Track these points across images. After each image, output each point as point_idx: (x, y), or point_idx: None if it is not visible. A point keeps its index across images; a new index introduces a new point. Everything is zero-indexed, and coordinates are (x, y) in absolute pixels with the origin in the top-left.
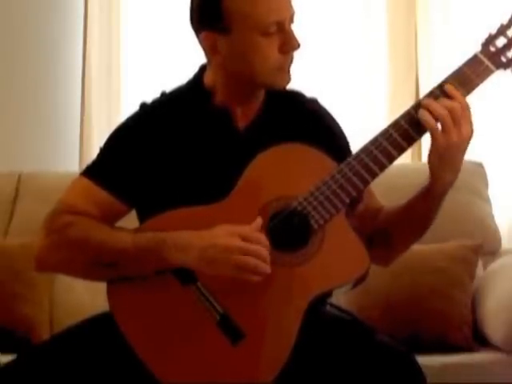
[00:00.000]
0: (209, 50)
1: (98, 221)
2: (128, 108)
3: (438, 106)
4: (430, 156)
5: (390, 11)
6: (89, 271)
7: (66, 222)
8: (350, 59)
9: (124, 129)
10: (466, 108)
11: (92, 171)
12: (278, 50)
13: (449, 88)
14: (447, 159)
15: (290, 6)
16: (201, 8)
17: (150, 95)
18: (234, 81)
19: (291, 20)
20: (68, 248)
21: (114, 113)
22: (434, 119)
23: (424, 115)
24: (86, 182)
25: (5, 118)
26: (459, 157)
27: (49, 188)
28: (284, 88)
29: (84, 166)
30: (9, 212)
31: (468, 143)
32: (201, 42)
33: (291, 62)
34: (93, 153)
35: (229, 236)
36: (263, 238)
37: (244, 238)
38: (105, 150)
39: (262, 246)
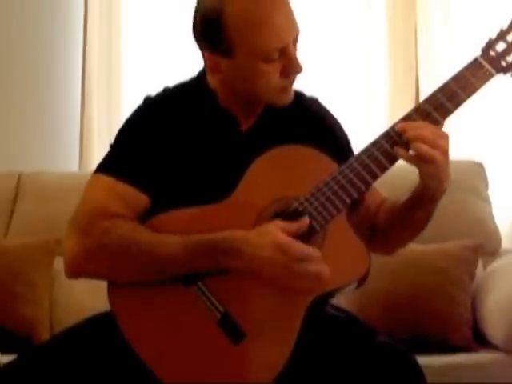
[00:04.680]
0: (211, 68)
1: (132, 221)
2: (128, 108)
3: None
4: (423, 180)
5: (390, 11)
6: (135, 276)
7: (104, 227)
8: (349, 59)
9: (132, 123)
10: (428, 127)
11: (110, 167)
12: (280, 73)
13: (400, 127)
14: (443, 175)
15: (294, 28)
16: (203, 30)
17: (155, 92)
18: (236, 95)
19: (295, 41)
20: (112, 254)
21: (114, 113)
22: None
23: (400, 152)
24: (106, 179)
25: (5, 118)
26: (447, 166)
27: (49, 188)
28: (286, 105)
29: (84, 166)
30: (9, 212)
31: (448, 143)
32: (203, 59)
33: (293, 82)
34: (93, 153)
35: (273, 249)
36: (312, 251)
37: (285, 252)
38: (118, 145)
39: (309, 258)
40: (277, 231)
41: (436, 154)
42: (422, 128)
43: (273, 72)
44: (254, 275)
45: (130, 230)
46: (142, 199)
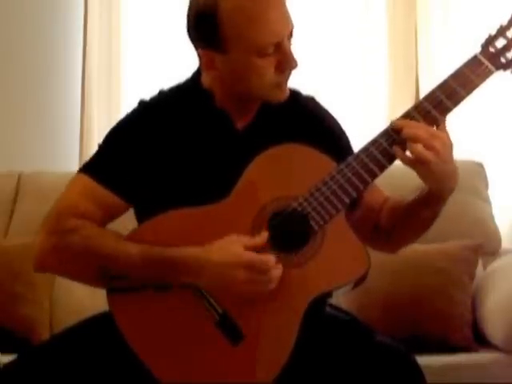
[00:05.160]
0: (205, 65)
1: (100, 221)
2: (128, 108)
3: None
4: (421, 179)
5: (390, 11)
6: (93, 281)
7: (69, 227)
8: (349, 59)
9: (123, 126)
10: (423, 126)
11: (92, 168)
12: (275, 69)
13: (397, 124)
14: (438, 176)
15: (289, 23)
16: (197, 27)
17: (150, 95)
18: (231, 92)
19: (290, 36)
20: (71, 256)
21: (113, 113)
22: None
23: (398, 152)
24: (86, 179)
25: (5, 118)
26: (448, 168)
27: (49, 188)
28: (281, 102)
29: None
30: (9, 212)
31: (450, 151)
32: (198, 55)
33: (288, 77)
34: (93, 153)
35: (239, 268)
36: (271, 260)
37: (252, 268)
38: (104, 147)
39: (270, 269)
40: (239, 248)
41: (429, 155)
42: (418, 127)
43: (267, 67)
44: (217, 292)
45: (95, 234)
46: (116, 203)
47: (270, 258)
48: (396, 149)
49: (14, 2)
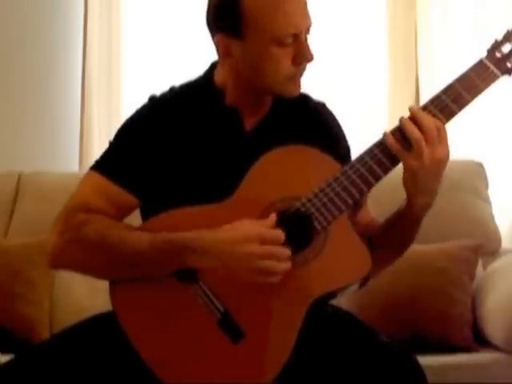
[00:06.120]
0: (222, 52)
1: (112, 218)
2: (128, 108)
3: (413, 128)
4: (404, 178)
5: (390, 11)
6: (106, 270)
7: (81, 220)
8: (349, 59)
9: (133, 122)
10: (441, 129)
11: (103, 165)
12: (292, 61)
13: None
14: (421, 182)
15: (308, 18)
16: (218, 11)
17: (161, 91)
18: (245, 84)
19: (307, 31)
20: (86, 247)
21: (114, 113)
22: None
23: (389, 138)
24: (97, 177)
25: (5, 118)
26: (433, 180)
27: (49, 188)
28: (293, 97)
29: (84, 166)
30: (9, 212)
31: (444, 167)
32: (215, 43)
33: (303, 72)
34: (93, 153)
35: (246, 242)
36: (279, 233)
37: (262, 241)
38: (115, 144)
39: (277, 242)
40: (247, 224)
41: (425, 148)
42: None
43: (284, 57)
44: (225, 273)
45: (106, 225)
46: (128, 199)
47: (281, 234)
48: (387, 134)
49: (14, 2)
